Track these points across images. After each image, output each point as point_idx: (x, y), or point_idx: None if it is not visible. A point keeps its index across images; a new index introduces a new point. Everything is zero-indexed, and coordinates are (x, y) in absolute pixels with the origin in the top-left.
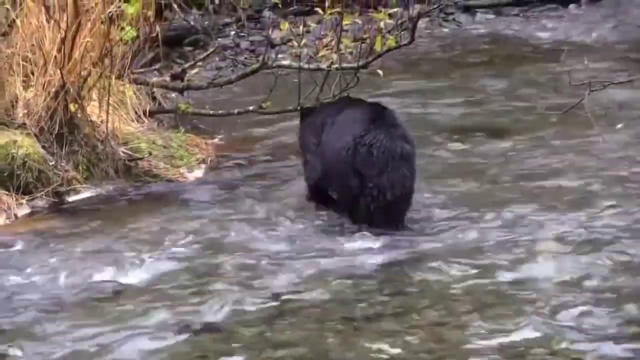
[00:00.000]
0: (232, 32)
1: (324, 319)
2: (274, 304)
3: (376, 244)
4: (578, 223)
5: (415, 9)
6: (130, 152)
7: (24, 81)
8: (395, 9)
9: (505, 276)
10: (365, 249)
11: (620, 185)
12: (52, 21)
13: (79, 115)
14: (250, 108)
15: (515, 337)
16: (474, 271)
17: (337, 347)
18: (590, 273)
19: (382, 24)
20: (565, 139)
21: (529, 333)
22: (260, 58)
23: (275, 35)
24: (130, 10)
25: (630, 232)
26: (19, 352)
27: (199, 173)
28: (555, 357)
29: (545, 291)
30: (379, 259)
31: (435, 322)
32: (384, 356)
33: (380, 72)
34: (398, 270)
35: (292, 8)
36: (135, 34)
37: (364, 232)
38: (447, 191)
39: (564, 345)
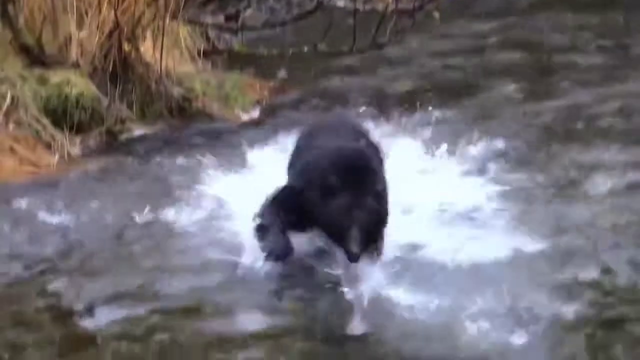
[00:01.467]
0: None
1: None
2: None
3: None
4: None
5: None
6: (184, 92)
7: (77, 21)
8: None
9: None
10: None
11: None
12: None
13: (133, 55)
14: (305, 49)
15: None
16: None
17: None
18: None
19: None
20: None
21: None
22: None
23: None
24: None
25: None
26: (71, 290)
27: (252, 114)
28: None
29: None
30: None
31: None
32: None
33: (436, 14)
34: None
35: None
36: None
37: None
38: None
39: None
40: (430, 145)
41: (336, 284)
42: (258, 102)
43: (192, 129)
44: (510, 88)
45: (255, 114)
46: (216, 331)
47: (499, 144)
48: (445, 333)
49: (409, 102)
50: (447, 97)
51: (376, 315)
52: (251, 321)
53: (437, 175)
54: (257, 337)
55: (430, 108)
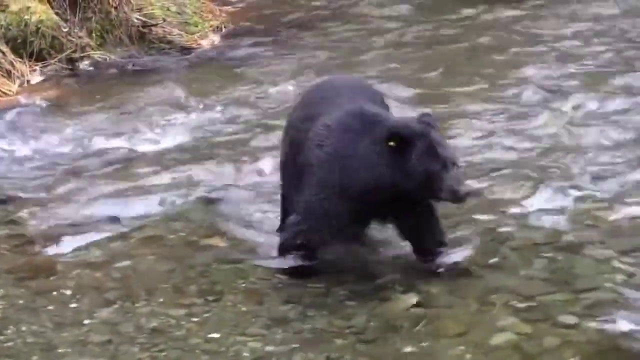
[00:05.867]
0: None
1: None
2: None
3: None
4: None
5: None
6: (144, 19)
7: None
8: None
9: None
10: None
11: None
12: None
13: None
14: None
15: None
16: None
17: None
18: None
19: None
20: None
21: None
22: None
23: None
24: None
25: None
26: (32, 218)
27: (213, 40)
28: None
29: None
30: None
31: None
32: None
33: None
34: None
35: None
36: None
37: None
38: None
39: None
40: None
41: None
42: (218, 28)
43: (152, 56)
44: None
45: (215, 39)
46: (177, 257)
47: None
48: None
49: None
50: None
51: None
52: (214, 248)
53: None
54: (219, 262)
55: None
